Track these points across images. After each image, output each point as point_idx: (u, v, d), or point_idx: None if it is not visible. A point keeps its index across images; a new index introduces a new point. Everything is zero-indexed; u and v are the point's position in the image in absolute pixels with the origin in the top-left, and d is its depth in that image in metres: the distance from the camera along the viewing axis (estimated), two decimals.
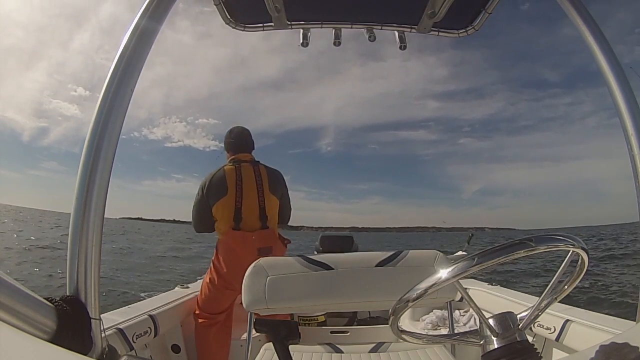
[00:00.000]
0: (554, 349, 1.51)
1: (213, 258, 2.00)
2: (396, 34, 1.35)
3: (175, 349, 1.94)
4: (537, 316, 0.66)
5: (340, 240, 2.80)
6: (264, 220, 1.95)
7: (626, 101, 0.87)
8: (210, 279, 1.97)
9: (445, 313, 1.85)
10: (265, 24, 1.33)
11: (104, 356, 0.69)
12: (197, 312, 1.98)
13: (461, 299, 1.99)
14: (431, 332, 1.99)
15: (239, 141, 2.06)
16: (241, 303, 1.25)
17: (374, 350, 1.33)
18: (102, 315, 0.70)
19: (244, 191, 1.91)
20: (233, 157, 2.03)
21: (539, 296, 0.66)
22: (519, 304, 1.72)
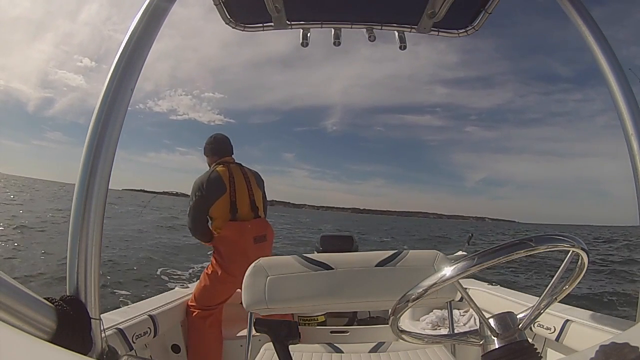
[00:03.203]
0: (554, 349, 1.51)
1: (213, 254, 2.13)
2: (396, 34, 1.35)
3: (175, 349, 1.94)
4: (537, 316, 0.66)
5: (340, 240, 2.80)
6: (256, 211, 2.17)
7: (626, 101, 0.88)
8: (212, 271, 2.08)
9: (445, 313, 1.85)
10: (265, 24, 1.32)
11: (104, 356, 0.69)
12: (192, 304, 2.03)
13: (461, 299, 1.99)
14: (431, 332, 1.99)
15: (222, 146, 2.28)
16: (241, 303, 1.25)
17: (374, 350, 1.33)
18: (102, 315, 0.70)
19: (236, 186, 2.12)
20: (219, 160, 2.23)
21: (539, 296, 0.66)
22: (519, 304, 1.72)
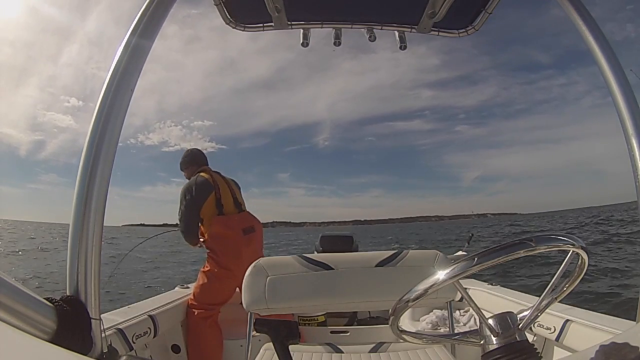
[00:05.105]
0: (554, 349, 1.51)
1: (207, 253, 2.20)
2: (396, 34, 1.35)
3: (175, 349, 1.94)
4: (537, 316, 0.66)
5: (340, 240, 2.80)
6: (239, 206, 2.33)
7: (626, 101, 0.88)
8: (208, 269, 2.13)
9: (445, 313, 1.85)
10: (265, 24, 1.32)
11: (104, 356, 0.69)
12: (192, 303, 2.05)
13: (461, 299, 1.99)
14: (431, 332, 1.98)
15: (199, 157, 2.49)
16: (241, 303, 1.25)
17: (374, 350, 1.33)
18: (102, 315, 0.70)
19: (219, 186, 2.29)
20: (198, 169, 2.40)
21: (539, 296, 0.66)
22: (519, 304, 1.72)
